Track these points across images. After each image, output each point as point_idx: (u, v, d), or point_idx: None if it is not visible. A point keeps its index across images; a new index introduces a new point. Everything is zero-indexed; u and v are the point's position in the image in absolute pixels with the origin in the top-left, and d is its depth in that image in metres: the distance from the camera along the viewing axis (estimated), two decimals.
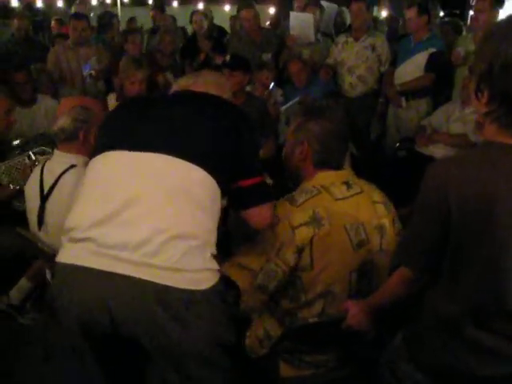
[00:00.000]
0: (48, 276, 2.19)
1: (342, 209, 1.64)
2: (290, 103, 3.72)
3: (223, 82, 1.78)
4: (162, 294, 1.28)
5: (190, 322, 1.31)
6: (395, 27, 5.66)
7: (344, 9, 5.00)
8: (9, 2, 7.65)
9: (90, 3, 8.42)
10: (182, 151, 1.37)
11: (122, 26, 6.12)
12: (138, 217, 1.32)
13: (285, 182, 2.35)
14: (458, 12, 7.53)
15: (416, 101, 3.99)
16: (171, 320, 1.29)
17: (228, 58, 3.55)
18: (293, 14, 4.37)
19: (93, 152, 1.53)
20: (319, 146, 1.71)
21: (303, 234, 1.59)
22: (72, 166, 2.03)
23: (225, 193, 1.46)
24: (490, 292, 1.07)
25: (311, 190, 1.67)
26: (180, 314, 1.29)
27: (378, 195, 1.76)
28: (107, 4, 9.44)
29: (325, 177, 1.70)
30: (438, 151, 3.45)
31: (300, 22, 4.25)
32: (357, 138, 3.71)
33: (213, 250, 1.40)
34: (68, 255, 1.37)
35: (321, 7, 4.66)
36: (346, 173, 1.76)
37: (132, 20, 6.32)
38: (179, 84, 1.73)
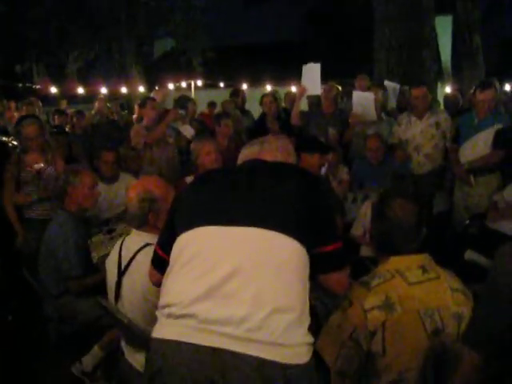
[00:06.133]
0: (122, 345, 2.28)
1: (415, 293, 1.63)
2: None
3: (287, 146, 1.81)
4: (265, 369, 1.29)
5: None
6: (456, 103, 5.72)
7: (406, 87, 5.13)
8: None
9: (167, 88, 9.26)
10: (272, 223, 1.41)
11: (198, 107, 6.62)
12: (238, 291, 1.35)
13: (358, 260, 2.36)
14: None
15: (485, 177, 3.93)
16: None
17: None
18: (355, 93, 4.57)
19: (176, 227, 1.54)
20: (379, 231, 1.77)
21: (375, 317, 1.59)
22: (147, 245, 2.14)
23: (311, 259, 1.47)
24: None
25: (384, 274, 1.68)
26: None
27: (456, 282, 1.72)
28: (182, 88, 10.32)
29: (399, 261, 1.71)
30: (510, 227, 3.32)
31: (362, 100, 4.43)
32: (424, 215, 3.67)
33: (309, 320, 1.41)
34: (169, 331, 1.40)
35: (384, 88, 4.84)
36: (423, 257, 1.74)
37: (212, 104, 6.76)
38: (245, 153, 1.77)
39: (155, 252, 1.73)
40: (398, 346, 1.57)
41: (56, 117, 6.45)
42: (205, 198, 1.56)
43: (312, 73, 4.48)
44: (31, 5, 11.27)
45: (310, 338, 1.39)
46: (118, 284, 2.18)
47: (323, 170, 3.86)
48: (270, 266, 1.39)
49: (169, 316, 1.42)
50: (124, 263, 2.19)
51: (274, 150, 1.75)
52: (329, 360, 1.61)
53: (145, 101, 4.81)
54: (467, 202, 4.04)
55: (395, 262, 1.71)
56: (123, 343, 2.28)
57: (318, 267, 1.52)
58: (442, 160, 4.30)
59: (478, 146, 3.92)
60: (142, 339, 2.02)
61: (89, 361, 2.87)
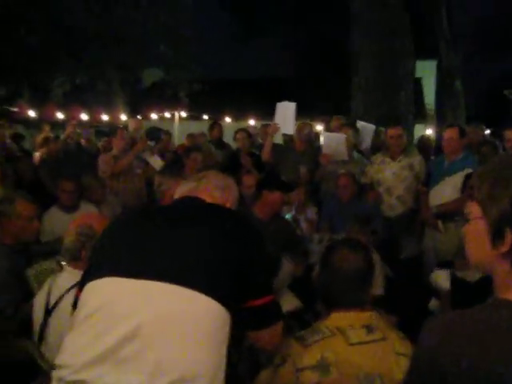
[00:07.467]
0: None
1: (355, 356, 1.48)
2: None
3: (228, 185, 1.70)
4: None
5: None
6: (430, 146, 5.74)
7: (382, 129, 5.12)
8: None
9: (149, 117, 9.23)
10: (188, 279, 1.27)
11: (179, 139, 6.49)
12: (137, 355, 1.21)
13: (314, 305, 2.24)
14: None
15: (455, 223, 3.82)
16: None
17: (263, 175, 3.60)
18: (325, 134, 4.55)
19: (89, 273, 1.41)
20: (321, 282, 1.64)
21: (308, 378, 1.44)
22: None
23: (234, 314, 1.32)
24: None
25: (323, 331, 1.54)
26: None
27: (403, 346, 1.55)
28: (166, 118, 10.31)
29: (341, 317, 1.57)
30: (478, 276, 3.21)
31: (332, 141, 4.39)
32: (392, 259, 3.56)
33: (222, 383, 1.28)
34: None
35: (356, 128, 4.83)
36: (369, 315, 1.59)
37: (191, 136, 6.71)
38: (182, 189, 1.65)
39: (76, 294, 1.56)
40: None
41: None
42: (120, 242, 1.42)
43: (286, 111, 4.45)
44: (25, 32, 11.30)
45: None
46: (44, 324, 2.03)
47: (290, 210, 3.77)
48: (178, 328, 1.24)
49: (59, 381, 1.27)
50: (52, 302, 2.04)
51: (211, 187, 1.64)
52: None
53: (115, 130, 4.75)
54: (437, 248, 3.94)
55: (337, 319, 1.57)
56: None
57: (244, 323, 1.38)
58: (413, 203, 4.21)
59: (446, 190, 3.84)
60: None
61: None
